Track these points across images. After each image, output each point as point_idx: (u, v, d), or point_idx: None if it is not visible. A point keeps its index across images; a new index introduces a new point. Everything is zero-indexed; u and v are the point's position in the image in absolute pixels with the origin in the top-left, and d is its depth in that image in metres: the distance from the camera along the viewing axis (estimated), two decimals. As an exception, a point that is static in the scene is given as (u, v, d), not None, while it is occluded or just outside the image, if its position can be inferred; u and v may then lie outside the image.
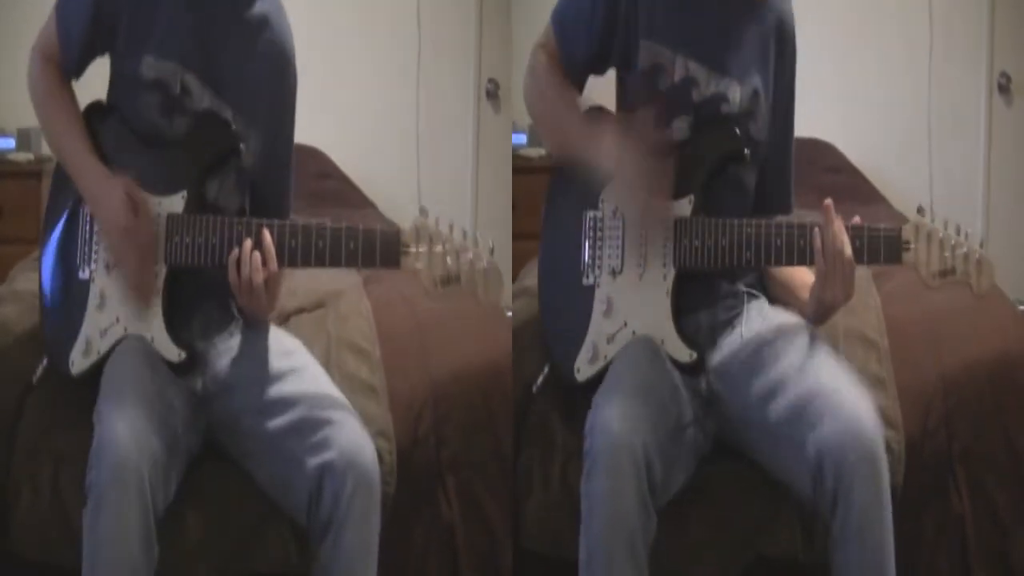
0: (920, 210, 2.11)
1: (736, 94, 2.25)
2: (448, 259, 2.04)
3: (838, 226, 2.12)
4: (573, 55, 2.31)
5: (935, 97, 4.19)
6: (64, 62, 2.27)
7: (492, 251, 2.07)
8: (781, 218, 2.23)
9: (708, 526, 2.24)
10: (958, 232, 2.10)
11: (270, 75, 2.30)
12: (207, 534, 2.20)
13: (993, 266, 2.11)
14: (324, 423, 2.12)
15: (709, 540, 2.24)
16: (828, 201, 2.13)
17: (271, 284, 2.15)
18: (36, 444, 2.25)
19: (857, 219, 2.15)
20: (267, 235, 2.12)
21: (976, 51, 4.23)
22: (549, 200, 2.39)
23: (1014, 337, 2.47)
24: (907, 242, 2.10)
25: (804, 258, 2.14)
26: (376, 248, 2.09)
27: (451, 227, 2.07)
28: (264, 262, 2.12)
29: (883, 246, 2.12)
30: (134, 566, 1.98)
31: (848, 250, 2.11)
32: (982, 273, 2.10)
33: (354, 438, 2.11)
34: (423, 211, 2.07)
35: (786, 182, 2.38)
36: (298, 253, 2.12)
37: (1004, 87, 4.22)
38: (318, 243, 2.12)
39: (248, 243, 2.13)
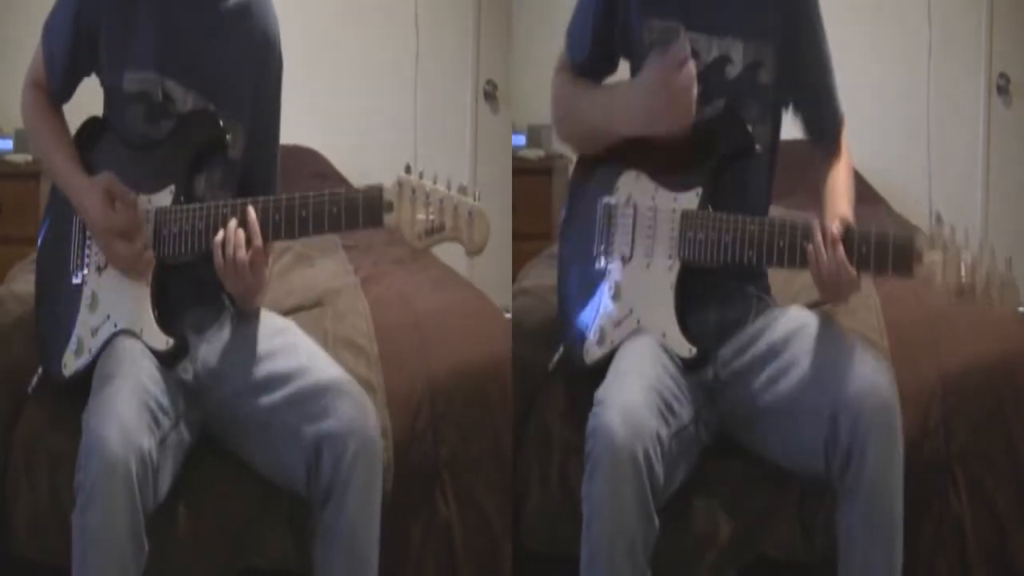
0: (939, 219, 2.01)
1: (739, 52, 2.25)
2: (430, 209, 2.02)
3: (840, 259, 2.09)
4: (582, 56, 2.34)
5: (934, 98, 4.20)
6: (51, 86, 2.31)
7: (478, 197, 2.04)
8: (784, 219, 2.20)
9: (708, 524, 2.24)
10: (980, 248, 1.99)
11: (252, 64, 2.30)
12: (204, 531, 2.19)
13: (1018, 289, 1.97)
14: (322, 392, 2.13)
15: (709, 538, 2.24)
16: (828, 235, 2.10)
17: (257, 263, 2.14)
18: (34, 445, 2.25)
19: (838, 222, 2.11)
20: (251, 212, 2.13)
21: (975, 52, 4.24)
22: (571, 189, 2.42)
23: (1014, 337, 2.47)
24: (920, 254, 2.02)
25: (807, 261, 2.13)
26: (359, 209, 2.08)
27: (435, 178, 2.05)
28: (248, 239, 2.12)
29: (892, 255, 2.06)
30: (123, 565, 1.98)
31: (846, 273, 2.09)
32: (1005, 297, 1.97)
33: (354, 405, 2.12)
34: (408, 168, 2.06)
35: (827, 109, 2.37)
36: (282, 225, 2.13)
37: (1003, 88, 4.22)
38: (301, 212, 2.12)
39: (233, 222, 2.13)
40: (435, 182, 2.04)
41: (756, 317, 2.28)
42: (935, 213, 2.04)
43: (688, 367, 2.20)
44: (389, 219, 2.05)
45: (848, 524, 2.09)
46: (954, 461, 2.35)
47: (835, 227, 2.11)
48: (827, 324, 2.22)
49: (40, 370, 2.30)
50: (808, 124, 2.36)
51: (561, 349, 2.37)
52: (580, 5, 2.36)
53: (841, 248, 2.09)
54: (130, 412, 2.04)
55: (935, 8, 4.18)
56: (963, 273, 1.98)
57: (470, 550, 2.38)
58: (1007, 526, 2.34)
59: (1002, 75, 4.22)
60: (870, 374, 2.10)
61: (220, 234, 2.13)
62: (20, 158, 3.95)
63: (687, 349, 2.20)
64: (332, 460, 2.08)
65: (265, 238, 2.13)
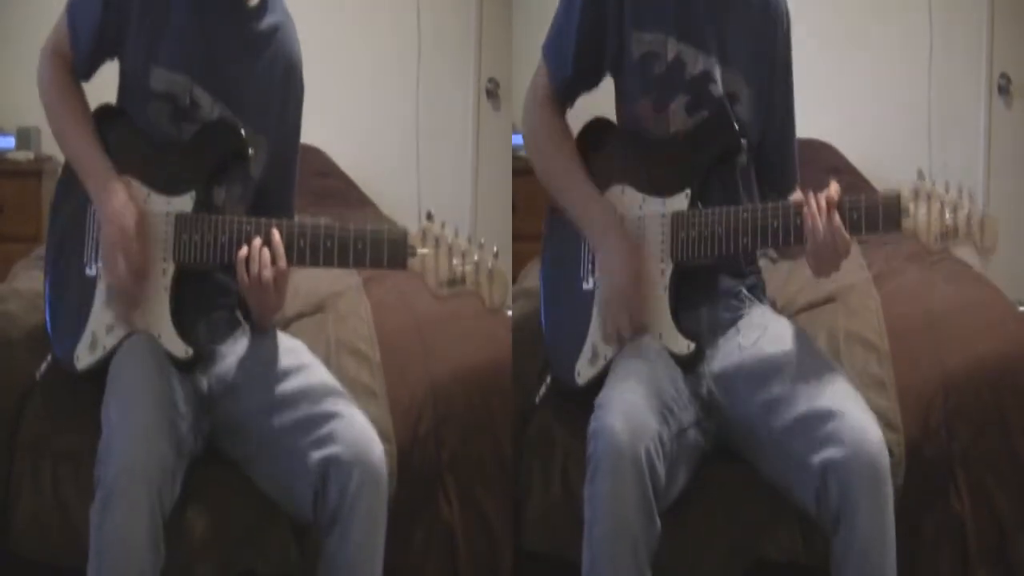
0: (920, 174, 2.07)
1: (718, 73, 2.25)
2: (454, 261, 2.05)
3: (835, 225, 2.09)
4: (563, 73, 2.32)
5: (935, 98, 4.20)
6: (75, 62, 2.28)
7: (496, 255, 2.07)
8: (775, 201, 2.22)
9: (708, 528, 2.24)
10: (959, 193, 2.06)
11: (278, 86, 2.31)
12: (207, 534, 2.19)
13: (996, 221, 2.05)
14: (329, 418, 2.12)
15: (709, 542, 2.24)
16: (823, 202, 2.11)
17: (280, 282, 2.15)
18: (37, 443, 2.24)
19: (834, 186, 2.12)
20: (276, 233, 2.13)
21: (976, 52, 4.24)
22: (552, 210, 2.39)
23: (1014, 337, 2.47)
24: (906, 207, 2.06)
25: (801, 237, 2.13)
26: (384, 249, 2.10)
27: (456, 232, 2.08)
28: (273, 259, 2.12)
29: (882, 214, 2.08)
30: (141, 567, 1.98)
31: (841, 240, 2.09)
32: (985, 232, 2.05)
33: (360, 433, 2.12)
34: (430, 216, 2.09)
35: (788, 164, 2.38)
36: (307, 253, 2.13)
37: (1004, 88, 4.22)
38: (326, 243, 2.13)
39: (257, 240, 2.13)
40: (456, 235, 2.07)
41: (748, 319, 2.27)
42: (917, 169, 2.08)
43: (685, 365, 2.19)
44: (413, 263, 2.08)
45: None
46: (955, 462, 2.35)
47: (832, 191, 2.11)
48: (814, 355, 2.22)
49: (49, 357, 2.30)
50: (765, 176, 2.34)
51: (548, 380, 2.36)
52: (561, 20, 2.32)
53: (837, 215, 2.10)
54: (151, 415, 2.04)
55: (936, 8, 4.18)
56: (946, 217, 2.05)
57: (472, 552, 2.38)
58: (1008, 527, 2.34)
59: (1003, 75, 4.22)
60: (859, 437, 2.06)
61: (244, 250, 2.13)
62: (22, 156, 3.96)
63: (685, 345, 2.19)
64: (338, 488, 2.07)
65: (288, 261, 2.13)
